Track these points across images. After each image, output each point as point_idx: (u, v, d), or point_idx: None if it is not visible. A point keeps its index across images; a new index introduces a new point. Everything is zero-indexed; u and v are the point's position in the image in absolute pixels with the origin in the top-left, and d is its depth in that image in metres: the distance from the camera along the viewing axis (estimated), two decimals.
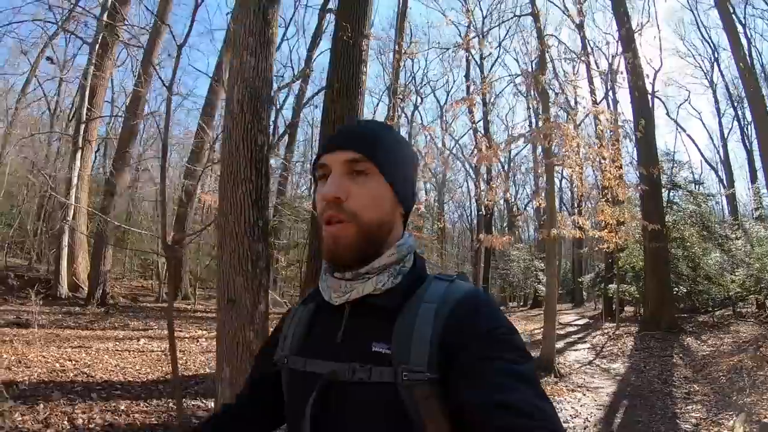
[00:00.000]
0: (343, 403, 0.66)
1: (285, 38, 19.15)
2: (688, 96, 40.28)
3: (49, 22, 14.00)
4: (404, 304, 0.68)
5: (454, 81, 24.42)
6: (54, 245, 14.01)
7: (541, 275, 18.19)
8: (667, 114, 22.99)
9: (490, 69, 21.67)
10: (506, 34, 20.99)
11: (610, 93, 17.54)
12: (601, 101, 17.00)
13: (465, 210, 29.41)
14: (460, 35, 21.79)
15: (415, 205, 0.81)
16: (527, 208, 24.23)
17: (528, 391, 0.57)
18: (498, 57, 23.29)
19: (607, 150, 7.98)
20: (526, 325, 12.48)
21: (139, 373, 5.30)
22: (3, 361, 5.27)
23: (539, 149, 10.13)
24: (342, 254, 0.70)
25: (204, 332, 8.55)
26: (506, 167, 19.25)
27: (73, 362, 5.68)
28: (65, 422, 3.60)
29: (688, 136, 34.73)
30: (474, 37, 14.07)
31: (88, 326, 8.61)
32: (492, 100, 19.94)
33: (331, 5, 10.91)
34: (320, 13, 16.68)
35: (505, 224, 23.18)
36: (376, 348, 0.66)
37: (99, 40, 12.08)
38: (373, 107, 22.57)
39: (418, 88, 22.09)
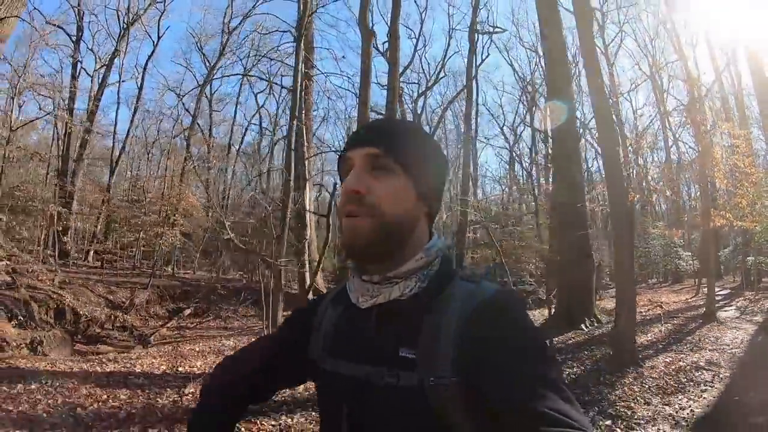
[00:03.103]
0: (375, 406, 0.78)
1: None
2: None
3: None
4: (430, 308, 0.78)
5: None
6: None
7: (680, 251, 22.29)
8: None
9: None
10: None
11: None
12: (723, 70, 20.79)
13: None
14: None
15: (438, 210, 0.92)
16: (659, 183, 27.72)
17: (556, 397, 0.65)
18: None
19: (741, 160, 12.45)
20: (678, 296, 17.11)
21: None
22: None
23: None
24: (359, 247, 0.80)
25: None
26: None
27: None
28: None
29: None
30: None
31: None
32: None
33: None
34: (470, 35, 21.90)
35: (637, 203, 26.98)
36: (402, 353, 0.76)
37: (300, 88, 17.46)
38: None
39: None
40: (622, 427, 4.65)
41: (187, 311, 16.56)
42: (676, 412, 5.02)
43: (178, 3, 42.00)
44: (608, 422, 4.75)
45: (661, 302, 14.57)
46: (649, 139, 13.07)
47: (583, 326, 9.67)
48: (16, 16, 9.08)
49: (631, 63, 26.46)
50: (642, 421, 4.77)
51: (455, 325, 0.75)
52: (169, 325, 14.62)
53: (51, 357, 8.57)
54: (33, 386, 5.51)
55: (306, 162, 17.06)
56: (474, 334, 0.73)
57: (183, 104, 27.24)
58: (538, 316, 12.01)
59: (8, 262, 11.79)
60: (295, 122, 12.67)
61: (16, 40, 18.94)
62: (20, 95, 15.59)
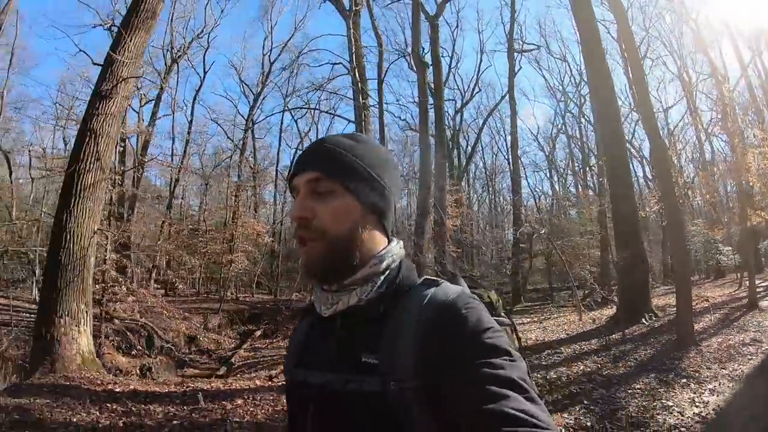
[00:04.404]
0: (339, 413, 0.81)
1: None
2: None
3: None
4: (389, 313, 0.83)
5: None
6: None
7: (720, 246, 24.08)
8: None
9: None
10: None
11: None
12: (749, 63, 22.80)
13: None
14: None
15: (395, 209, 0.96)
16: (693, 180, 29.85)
17: (518, 397, 0.68)
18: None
19: None
20: (722, 290, 19.18)
21: None
22: None
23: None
24: (314, 270, 0.87)
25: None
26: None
27: None
28: None
29: None
30: None
31: None
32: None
33: None
34: (509, 55, 24.36)
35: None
36: (365, 359, 0.80)
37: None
38: None
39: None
40: (693, 382, 6.92)
41: (258, 333, 18.48)
42: (731, 373, 7.28)
43: (218, 39, 44.68)
44: (684, 380, 6.99)
45: (707, 297, 16.80)
46: (689, 151, 15.15)
47: (643, 320, 11.90)
48: (136, 77, 11.45)
49: (658, 62, 28.29)
50: (708, 379, 7.01)
51: (414, 329, 0.79)
52: (244, 346, 16.16)
53: (166, 380, 9.80)
54: (239, 401, 6.57)
55: None
56: (433, 337, 0.78)
57: (228, 136, 29.88)
58: (599, 315, 14.36)
59: (134, 298, 14.10)
60: None
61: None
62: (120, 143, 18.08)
